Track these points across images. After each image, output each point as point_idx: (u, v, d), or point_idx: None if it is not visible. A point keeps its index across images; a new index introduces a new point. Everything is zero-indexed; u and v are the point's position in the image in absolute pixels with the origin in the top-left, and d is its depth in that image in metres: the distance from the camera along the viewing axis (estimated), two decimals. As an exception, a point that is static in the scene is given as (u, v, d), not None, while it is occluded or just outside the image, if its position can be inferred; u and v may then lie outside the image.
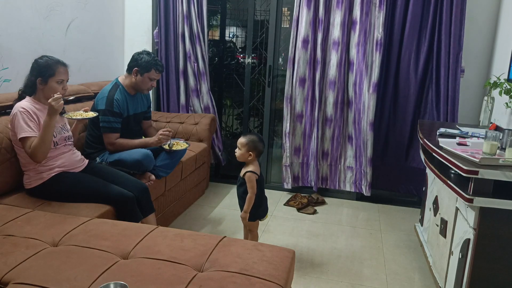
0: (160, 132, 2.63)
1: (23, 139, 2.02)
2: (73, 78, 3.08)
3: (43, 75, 2.09)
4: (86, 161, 2.38)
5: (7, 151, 2.14)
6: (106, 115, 2.52)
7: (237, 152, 2.29)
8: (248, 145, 2.25)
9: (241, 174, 2.29)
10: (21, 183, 2.23)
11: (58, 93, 2.04)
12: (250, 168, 2.26)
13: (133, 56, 2.65)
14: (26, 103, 2.10)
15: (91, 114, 2.30)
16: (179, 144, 2.76)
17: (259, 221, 2.40)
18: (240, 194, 2.33)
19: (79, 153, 2.37)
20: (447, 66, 3.12)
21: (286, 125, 3.47)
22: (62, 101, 2.01)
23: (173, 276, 1.39)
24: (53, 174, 2.14)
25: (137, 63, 2.60)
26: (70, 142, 2.29)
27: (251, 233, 2.43)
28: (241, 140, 2.28)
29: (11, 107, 2.31)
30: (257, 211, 2.33)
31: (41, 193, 2.12)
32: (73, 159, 2.28)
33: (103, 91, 2.59)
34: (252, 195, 2.25)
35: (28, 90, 2.14)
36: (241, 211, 2.32)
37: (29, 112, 2.06)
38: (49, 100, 1.96)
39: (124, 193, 2.17)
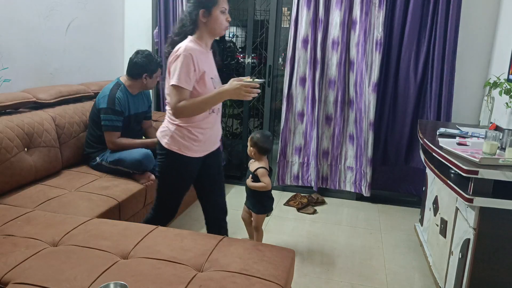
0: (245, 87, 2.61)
1: (176, 88, 1.75)
2: (73, 78, 3.10)
3: (206, 5, 1.84)
4: (220, 144, 2.15)
5: (7, 151, 2.14)
6: (108, 114, 2.52)
7: (248, 148, 2.46)
8: (251, 142, 2.41)
9: (252, 169, 2.42)
10: (21, 183, 2.24)
11: (257, 91, 1.80)
12: (261, 164, 2.40)
13: (136, 63, 2.62)
14: (192, 45, 1.81)
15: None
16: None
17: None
18: (249, 190, 2.47)
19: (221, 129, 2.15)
20: (443, 66, 3.12)
21: (284, 124, 3.48)
22: (256, 95, 1.81)
23: (173, 276, 1.39)
24: (194, 146, 1.91)
25: (144, 69, 2.62)
26: (220, 113, 2.06)
27: (257, 230, 2.51)
28: (249, 136, 2.44)
29: (11, 107, 2.32)
30: (268, 204, 2.47)
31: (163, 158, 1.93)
32: (217, 133, 2.05)
33: (105, 90, 2.60)
34: (267, 183, 2.36)
35: (190, 28, 1.87)
36: (248, 207, 2.51)
37: (193, 59, 1.77)
38: (242, 86, 1.75)
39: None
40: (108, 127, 2.54)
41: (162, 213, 2.09)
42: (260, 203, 2.45)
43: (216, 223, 2.20)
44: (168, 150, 1.89)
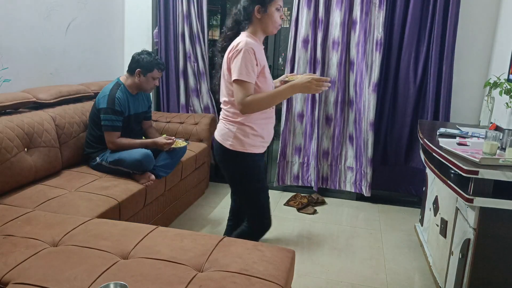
0: (165, 141, 2.62)
1: (241, 82, 1.71)
2: (73, 78, 3.10)
3: (263, 1, 1.81)
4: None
5: (7, 151, 2.14)
6: (108, 114, 2.52)
7: None
8: None
9: None
10: (21, 183, 2.24)
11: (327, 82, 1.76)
12: None
13: (133, 57, 2.65)
14: (250, 40, 1.78)
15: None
16: (178, 142, 2.77)
17: None
18: None
19: None
20: (441, 66, 3.12)
21: (284, 125, 3.48)
22: (327, 88, 1.78)
23: (173, 276, 1.39)
24: (258, 142, 1.87)
25: (139, 64, 2.61)
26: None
27: None
28: None
29: (11, 107, 2.32)
30: None
31: (228, 159, 1.86)
32: (273, 126, 2.00)
33: (105, 90, 2.60)
34: None
35: (243, 24, 1.85)
36: None
37: (255, 54, 1.75)
38: (313, 80, 1.72)
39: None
40: (108, 127, 2.53)
41: (261, 222, 1.97)
42: None
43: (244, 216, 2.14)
44: (234, 152, 1.83)
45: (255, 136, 1.85)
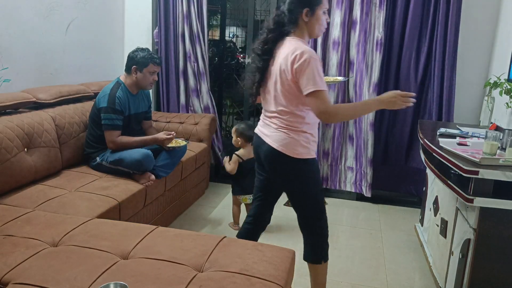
0: (165, 136, 2.62)
1: (321, 92, 1.65)
2: (73, 78, 3.10)
3: (311, 4, 1.74)
4: None
5: (7, 151, 2.14)
6: (108, 113, 2.52)
7: (232, 139, 2.88)
8: (236, 132, 2.84)
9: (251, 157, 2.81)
10: (21, 184, 2.24)
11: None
12: (239, 152, 2.87)
13: (128, 56, 2.66)
14: (307, 46, 1.73)
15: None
16: (178, 142, 2.77)
17: (242, 201, 2.92)
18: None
19: None
20: (443, 66, 3.12)
21: None
22: (411, 104, 1.75)
23: (173, 276, 1.39)
24: (315, 147, 1.83)
25: (134, 61, 2.61)
26: None
27: (233, 206, 2.94)
28: (233, 128, 2.88)
29: (11, 107, 2.32)
30: (234, 187, 2.91)
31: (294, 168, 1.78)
32: None
33: (105, 90, 2.60)
34: (230, 169, 2.84)
35: (288, 27, 1.78)
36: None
37: (319, 61, 1.70)
38: (398, 95, 1.70)
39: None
40: (108, 126, 2.53)
41: (326, 229, 1.94)
42: (232, 185, 2.93)
43: (265, 224, 2.15)
44: (302, 160, 1.77)
45: (314, 142, 1.84)
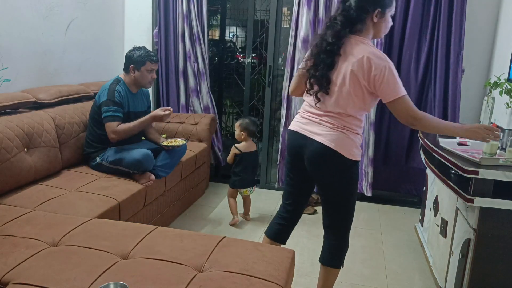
0: (162, 113, 2.58)
1: (405, 98, 1.66)
2: (73, 78, 3.10)
3: (384, 5, 1.70)
4: None
5: (7, 151, 2.14)
6: (108, 105, 2.51)
7: (235, 132, 2.99)
8: (241, 126, 2.95)
9: (254, 150, 3.01)
10: (21, 183, 2.23)
11: None
12: (239, 144, 2.99)
13: (126, 55, 2.66)
14: (378, 50, 1.71)
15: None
16: (177, 141, 2.77)
17: (243, 194, 3.05)
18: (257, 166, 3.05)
19: None
20: (447, 66, 3.12)
21: (283, 125, 3.47)
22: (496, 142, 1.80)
23: (173, 276, 1.39)
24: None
25: (131, 60, 2.62)
26: None
27: (229, 199, 3.04)
28: (237, 122, 2.99)
29: (11, 107, 2.32)
30: (234, 180, 3.00)
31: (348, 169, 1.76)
32: None
33: (104, 86, 2.62)
34: (228, 158, 3.03)
35: (357, 26, 1.71)
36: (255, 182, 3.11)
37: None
38: (482, 126, 1.71)
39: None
40: (108, 118, 2.51)
41: (348, 232, 1.94)
42: (232, 178, 3.02)
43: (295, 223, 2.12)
44: (353, 162, 1.76)
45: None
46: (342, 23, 1.70)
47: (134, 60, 2.61)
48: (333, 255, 1.93)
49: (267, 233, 2.08)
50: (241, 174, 2.98)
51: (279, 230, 2.06)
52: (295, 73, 1.94)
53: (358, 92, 1.69)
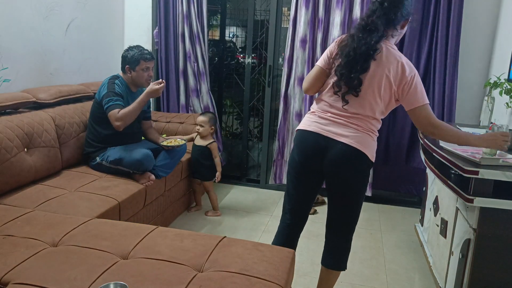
0: (156, 86, 2.49)
1: (428, 106, 1.73)
2: (73, 78, 3.10)
3: (409, 16, 1.76)
4: None
5: (7, 151, 2.14)
6: (109, 97, 2.50)
7: (201, 129, 3.01)
8: (210, 122, 3.04)
9: (201, 144, 3.05)
10: (21, 183, 2.23)
11: None
12: (211, 139, 3.07)
13: (121, 56, 2.67)
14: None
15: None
16: (177, 141, 2.77)
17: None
18: (203, 161, 3.04)
19: None
20: (444, 66, 3.12)
21: (281, 124, 3.48)
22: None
23: (173, 276, 1.39)
24: None
25: (126, 61, 2.63)
26: None
27: (211, 194, 3.14)
28: (203, 118, 3.02)
29: (11, 107, 2.32)
30: (211, 174, 3.10)
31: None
32: None
33: (103, 82, 2.63)
34: (219, 159, 3.10)
35: (395, 29, 1.75)
36: (204, 178, 3.09)
37: None
38: (500, 135, 1.73)
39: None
40: (110, 107, 2.48)
41: (352, 235, 1.95)
42: (210, 172, 3.07)
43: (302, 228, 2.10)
44: (372, 163, 1.82)
45: None
46: (384, 27, 1.70)
47: (129, 60, 2.62)
48: (339, 257, 1.92)
49: (276, 244, 1.98)
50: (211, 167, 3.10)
51: (289, 238, 2.01)
52: (313, 70, 1.84)
53: (386, 97, 1.72)
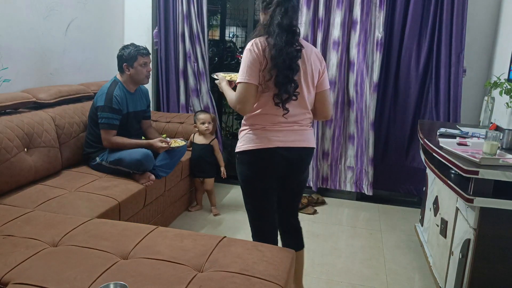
0: (160, 145, 2.61)
1: None
2: (73, 78, 3.09)
3: None
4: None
5: (7, 151, 2.14)
6: (105, 111, 2.52)
7: (208, 126, 3.05)
8: (214, 120, 3.15)
9: (204, 142, 3.10)
10: (21, 184, 2.23)
11: None
12: (212, 136, 3.14)
13: (117, 56, 2.67)
14: None
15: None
16: (177, 142, 2.77)
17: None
18: (207, 159, 3.09)
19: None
20: (448, 66, 3.12)
21: None
22: None
23: (173, 276, 1.39)
24: None
25: (123, 59, 2.63)
26: None
27: (212, 192, 3.16)
28: (208, 116, 3.07)
29: (11, 107, 2.32)
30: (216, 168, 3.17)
31: None
32: None
33: (103, 88, 2.60)
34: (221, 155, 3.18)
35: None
36: (208, 175, 3.12)
37: None
38: None
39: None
40: (104, 125, 2.53)
41: None
42: (214, 169, 3.14)
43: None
44: None
45: None
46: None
47: (126, 58, 2.62)
48: (301, 236, 2.09)
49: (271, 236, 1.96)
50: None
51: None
52: (248, 90, 1.69)
53: (316, 82, 1.83)
